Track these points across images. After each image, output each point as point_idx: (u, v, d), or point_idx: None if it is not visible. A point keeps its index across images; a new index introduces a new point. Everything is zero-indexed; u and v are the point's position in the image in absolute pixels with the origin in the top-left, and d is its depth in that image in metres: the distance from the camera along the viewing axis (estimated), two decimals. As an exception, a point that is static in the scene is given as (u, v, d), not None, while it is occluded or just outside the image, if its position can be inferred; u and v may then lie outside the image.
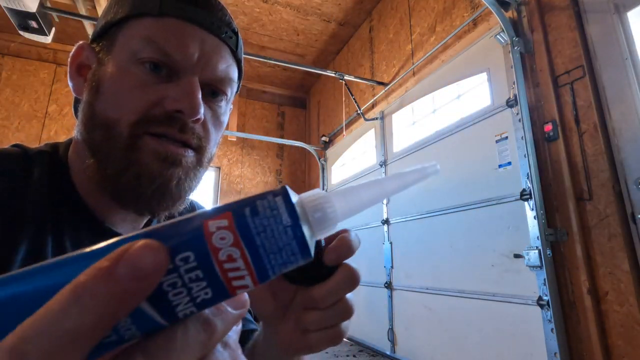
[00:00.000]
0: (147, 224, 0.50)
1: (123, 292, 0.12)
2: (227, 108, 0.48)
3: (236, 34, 0.46)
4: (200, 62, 0.41)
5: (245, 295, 0.17)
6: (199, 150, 0.43)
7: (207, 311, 0.15)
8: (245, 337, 0.50)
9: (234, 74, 0.46)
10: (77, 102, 0.50)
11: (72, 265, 0.13)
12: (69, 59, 0.45)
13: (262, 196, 0.15)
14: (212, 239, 0.14)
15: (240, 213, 0.14)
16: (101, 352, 0.13)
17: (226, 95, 0.46)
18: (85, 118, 0.42)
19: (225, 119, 0.48)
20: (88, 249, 0.14)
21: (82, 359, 0.12)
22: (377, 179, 0.19)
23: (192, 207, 0.60)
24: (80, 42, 0.45)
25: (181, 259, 0.14)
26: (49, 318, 0.12)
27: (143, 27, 0.40)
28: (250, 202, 0.15)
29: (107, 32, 0.43)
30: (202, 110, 0.41)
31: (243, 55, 0.49)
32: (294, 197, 0.16)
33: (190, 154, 0.42)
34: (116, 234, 0.44)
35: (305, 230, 0.15)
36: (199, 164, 0.44)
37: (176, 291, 0.14)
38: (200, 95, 0.40)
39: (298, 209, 0.15)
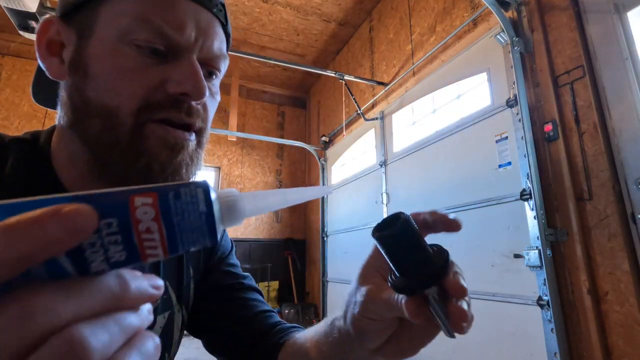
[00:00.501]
0: None
1: (48, 241, 0.13)
2: (218, 85, 0.47)
3: (224, 6, 0.44)
4: (197, 41, 0.39)
5: (161, 281, 0.18)
6: (200, 132, 0.42)
7: (123, 270, 0.17)
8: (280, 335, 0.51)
9: (225, 49, 0.45)
10: (38, 86, 0.46)
11: (4, 209, 0.15)
12: (35, 37, 0.41)
13: (186, 185, 0.18)
14: (136, 212, 0.16)
15: (164, 195, 0.17)
16: (7, 287, 0.14)
17: (220, 72, 0.45)
18: (75, 105, 0.38)
19: (218, 96, 0.47)
20: (22, 199, 0.15)
21: None
22: (282, 190, 0.23)
23: None
24: (47, 16, 0.41)
25: (105, 223, 0.15)
26: None
27: (131, 2, 0.37)
28: (175, 188, 0.17)
29: (83, 6, 0.39)
30: (207, 91, 0.39)
31: (230, 32, 0.48)
32: (213, 192, 0.19)
33: (192, 138, 0.41)
34: None
35: (216, 219, 0.18)
36: (199, 146, 0.43)
37: (94, 250, 0.15)
38: (203, 76, 0.39)
39: (214, 201, 0.18)
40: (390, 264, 0.28)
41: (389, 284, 0.30)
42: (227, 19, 0.45)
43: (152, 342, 0.17)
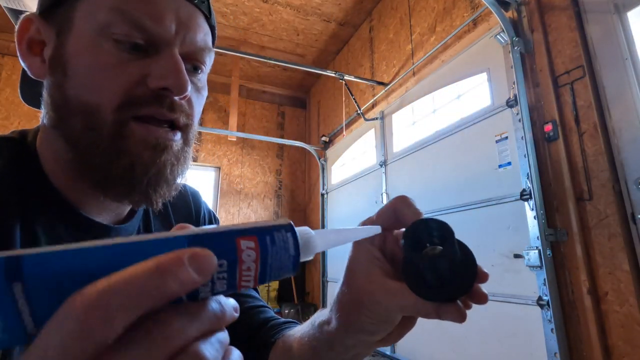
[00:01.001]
0: (131, 212, 0.48)
1: (188, 279, 0.16)
2: (205, 80, 0.46)
3: None
4: (179, 34, 0.38)
5: (236, 303, 0.21)
6: (185, 129, 0.41)
7: (220, 297, 0.20)
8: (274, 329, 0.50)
9: (210, 42, 0.44)
10: (25, 84, 0.45)
11: (138, 248, 0.17)
12: (15, 36, 0.40)
13: (277, 228, 0.21)
14: (242, 255, 0.19)
15: (263, 240, 0.20)
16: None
17: (205, 65, 0.43)
18: (57, 104, 0.38)
19: (205, 92, 0.45)
20: (157, 236, 0.18)
21: (136, 316, 0.15)
22: (343, 229, 0.26)
23: (185, 191, 0.59)
24: (27, 14, 0.40)
25: (219, 263, 0.18)
26: (134, 278, 0.15)
27: None
28: (269, 232, 0.20)
29: (61, 2, 0.38)
30: (189, 86, 0.38)
31: (215, 23, 0.46)
32: (297, 234, 0.21)
33: (177, 137, 0.40)
34: (94, 223, 0.42)
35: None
36: (186, 143, 0.42)
37: (205, 283, 0.18)
38: (185, 70, 0.38)
39: (300, 244, 0.21)
40: (425, 277, 0.28)
41: (418, 294, 0.28)
42: (210, 11, 0.43)
43: (238, 354, 0.20)
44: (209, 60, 0.44)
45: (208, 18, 0.43)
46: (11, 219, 0.36)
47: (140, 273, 0.15)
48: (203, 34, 0.41)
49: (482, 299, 0.29)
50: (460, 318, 0.28)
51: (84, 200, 0.41)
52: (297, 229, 0.22)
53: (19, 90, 0.48)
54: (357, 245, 0.33)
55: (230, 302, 0.20)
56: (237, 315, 0.21)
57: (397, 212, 0.32)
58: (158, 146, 0.38)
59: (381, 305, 0.30)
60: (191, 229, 0.19)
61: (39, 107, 0.48)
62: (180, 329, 0.17)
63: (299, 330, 0.43)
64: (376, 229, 0.29)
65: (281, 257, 0.20)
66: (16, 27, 0.40)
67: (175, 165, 0.40)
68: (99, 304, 0.14)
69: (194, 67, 0.42)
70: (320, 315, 0.38)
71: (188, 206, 0.59)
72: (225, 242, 0.19)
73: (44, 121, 0.40)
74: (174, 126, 0.40)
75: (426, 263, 0.27)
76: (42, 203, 0.39)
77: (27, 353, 0.15)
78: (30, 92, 0.50)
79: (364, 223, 0.33)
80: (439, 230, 0.28)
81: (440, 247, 0.27)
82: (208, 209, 0.64)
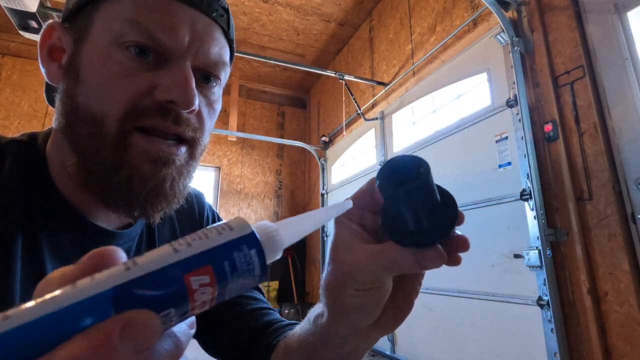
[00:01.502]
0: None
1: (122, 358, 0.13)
2: (220, 94, 0.45)
3: (227, 11, 0.42)
4: (192, 46, 0.38)
5: (194, 319, 0.19)
6: (192, 143, 0.40)
7: (175, 330, 0.17)
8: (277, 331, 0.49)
9: (227, 56, 0.43)
10: (50, 89, 0.46)
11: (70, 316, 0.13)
12: (38, 42, 0.41)
13: (237, 246, 0.17)
14: (194, 295, 0.15)
15: (220, 269, 0.16)
16: None
17: (220, 80, 0.43)
18: (66, 110, 0.38)
19: (218, 106, 0.45)
20: (67, 298, 0.13)
21: None
22: (306, 213, 0.23)
23: (191, 197, 0.58)
24: (50, 22, 0.41)
25: (165, 314, 0.15)
26: None
27: (125, 5, 0.36)
28: (228, 255, 0.16)
29: (81, 11, 0.38)
30: (197, 100, 0.37)
31: (234, 37, 0.46)
32: (259, 237, 0.18)
33: (182, 152, 0.39)
34: (99, 229, 0.42)
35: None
36: (192, 157, 0.41)
37: None
38: (194, 84, 0.37)
39: (265, 252, 0.18)
40: (404, 219, 0.26)
41: (397, 242, 0.26)
42: (230, 25, 0.43)
43: None
44: (224, 75, 0.43)
45: (226, 32, 0.42)
46: (13, 224, 0.36)
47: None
48: (219, 48, 0.40)
49: (463, 243, 0.28)
50: (441, 260, 0.27)
51: (89, 206, 0.41)
52: (256, 228, 0.18)
53: (44, 93, 0.48)
54: (338, 223, 0.31)
55: (182, 328, 0.17)
56: (192, 332, 0.18)
57: (373, 192, 0.31)
58: (159, 160, 0.37)
59: (363, 271, 0.28)
60: (115, 272, 0.14)
61: None
62: None
63: (299, 329, 0.43)
64: (347, 204, 0.27)
65: (244, 280, 0.17)
66: (40, 33, 0.40)
67: (177, 180, 0.39)
68: None
69: (207, 80, 0.41)
70: (315, 309, 0.37)
71: (191, 208, 0.58)
72: (170, 284, 0.15)
73: (56, 126, 0.40)
74: (180, 139, 0.39)
75: (402, 199, 0.25)
76: (46, 208, 0.39)
77: None
78: (53, 96, 0.51)
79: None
80: (414, 164, 0.25)
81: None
82: (212, 210, 0.63)
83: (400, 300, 0.31)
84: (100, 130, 0.36)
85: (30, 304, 0.13)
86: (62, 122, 0.38)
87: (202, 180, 4.63)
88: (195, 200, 0.59)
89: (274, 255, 0.19)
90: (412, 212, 0.26)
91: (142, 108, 0.36)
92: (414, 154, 0.28)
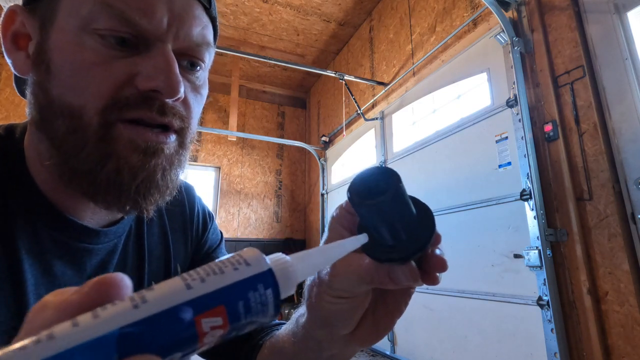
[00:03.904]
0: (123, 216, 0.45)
1: None
2: (205, 77, 0.42)
3: None
4: (171, 28, 0.34)
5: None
6: (181, 132, 0.38)
7: None
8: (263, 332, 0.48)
9: (211, 36, 0.39)
10: (19, 80, 0.42)
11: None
12: None
13: (253, 284, 0.16)
14: (204, 338, 0.14)
15: (234, 310, 0.15)
16: None
17: (204, 62, 0.39)
18: (40, 104, 0.35)
19: (205, 91, 0.42)
20: (68, 341, 0.12)
21: None
22: (322, 247, 0.23)
23: (181, 190, 0.55)
24: (11, 5, 0.36)
25: (170, 358, 0.14)
26: None
27: None
28: (243, 294, 0.15)
29: None
30: (182, 87, 0.34)
31: (217, 14, 0.42)
32: (275, 279, 0.17)
33: (172, 140, 0.37)
34: (81, 227, 0.39)
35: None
36: (182, 146, 0.38)
37: None
38: (177, 69, 0.34)
39: (281, 293, 0.17)
40: (380, 234, 0.26)
41: (371, 256, 0.26)
42: (210, 1, 0.39)
43: None
44: (209, 56, 0.40)
45: (207, 9, 0.38)
46: None
47: None
48: (201, 28, 0.37)
49: (441, 265, 0.26)
50: (414, 279, 0.26)
51: (72, 203, 0.38)
52: (272, 263, 0.17)
53: (14, 84, 0.43)
54: (330, 228, 0.30)
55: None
56: None
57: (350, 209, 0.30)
58: (148, 149, 0.34)
59: (340, 279, 0.27)
60: (121, 310, 0.13)
61: None
62: None
63: (284, 329, 0.42)
64: (362, 239, 0.25)
65: (256, 320, 0.16)
66: (0, 19, 0.36)
67: (168, 170, 0.37)
68: None
69: (191, 64, 0.38)
70: (299, 309, 0.36)
71: (181, 202, 0.55)
72: (180, 327, 0.14)
73: (30, 120, 0.37)
74: (167, 129, 0.36)
75: (373, 212, 0.24)
76: (24, 205, 0.36)
77: None
78: (24, 88, 0.48)
79: (331, 228, 0.30)
80: (383, 176, 0.25)
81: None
82: (202, 207, 0.59)
83: (381, 316, 0.30)
84: (80, 124, 0.33)
85: (26, 342, 0.12)
86: (37, 116, 0.35)
87: (202, 180, 4.63)
88: (185, 194, 0.56)
89: (288, 292, 0.18)
90: (385, 226, 0.25)
91: (124, 99, 0.33)
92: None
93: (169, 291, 0.14)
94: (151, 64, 0.33)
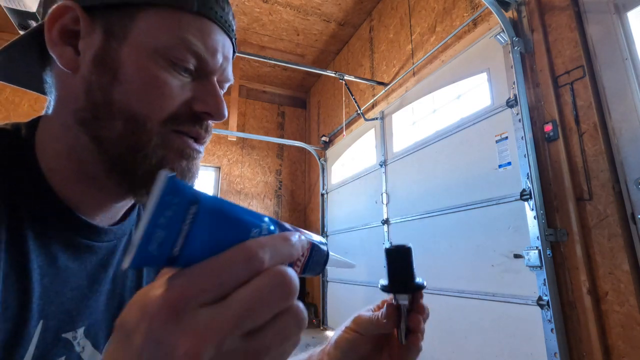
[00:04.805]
0: (129, 210, 0.49)
1: (299, 250, 0.25)
2: None
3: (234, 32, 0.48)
4: (222, 67, 0.43)
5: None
6: (204, 144, 0.47)
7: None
8: None
9: None
10: (11, 59, 0.44)
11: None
12: (46, 19, 0.39)
13: (322, 243, 0.30)
14: (310, 250, 0.28)
15: (315, 247, 0.28)
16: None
17: (224, 91, 0.49)
18: (95, 103, 0.38)
19: None
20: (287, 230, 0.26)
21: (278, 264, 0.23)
22: (344, 260, 0.37)
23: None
24: (65, 2, 0.38)
25: (298, 259, 0.27)
26: (281, 244, 0.23)
27: (173, 20, 0.39)
28: (317, 245, 0.29)
29: (117, 6, 0.39)
30: (226, 112, 0.44)
31: (240, 55, 0.53)
32: (327, 250, 0.31)
33: (202, 150, 0.46)
34: (88, 224, 0.42)
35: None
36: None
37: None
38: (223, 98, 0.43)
39: (330, 257, 0.31)
40: (388, 272, 0.41)
41: (380, 287, 0.41)
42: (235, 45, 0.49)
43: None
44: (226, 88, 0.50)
45: (235, 52, 0.48)
46: None
47: (283, 242, 0.23)
48: (231, 67, 0.47)
49: (417, 323, 0.42)
50: (386, 317, 0.42)
51: (79, 200, 0.41)
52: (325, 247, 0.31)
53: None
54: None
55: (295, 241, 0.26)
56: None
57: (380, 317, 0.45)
58: (191, 156, 0.42)
59: (355, 320, 0.45)
60: (310, 235, 0.29)
61: (27, 87, 0.48)
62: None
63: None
64: (352, 264, 0.39)
65: (317, 261, 0.29)
66: (50, 10, 0.39)
67: (195, 174, 0.45)
68: (262, 255, 0.21)
69: None
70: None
71: None
72: (317, 244, 0.29)
73: (58, 113, 0.41)
74: (199, 142, 0.44)
75: (388, 261, 0.42)
76: (34, 200, 0.39)
77: (197, 267, 0.20)
78: (16, 69, 0.47)
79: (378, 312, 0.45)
80: (404, 247, 0.42)
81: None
82: None
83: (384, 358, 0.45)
84: (142, 129, 0.39)
85: (296, 233, 0.25)
86: (84, 113, 0.39)
87: (202, 180, 4.63)
88: None
89: (324, 264, 0.31)
90: (392, 268, 0.41)
91: (180, 115, 0.41)
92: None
93: (311, 234, 0.29)
94: (207, 92, 0.42)
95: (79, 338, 0.42)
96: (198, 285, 0.19)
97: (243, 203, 4.69)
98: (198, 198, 0.20)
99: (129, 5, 0.39)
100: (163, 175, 0.19)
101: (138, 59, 0.38)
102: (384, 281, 0.41)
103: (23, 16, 2.23)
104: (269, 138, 4.51)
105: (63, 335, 0.40)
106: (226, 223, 0.21)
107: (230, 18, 0.44)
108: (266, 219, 0.24)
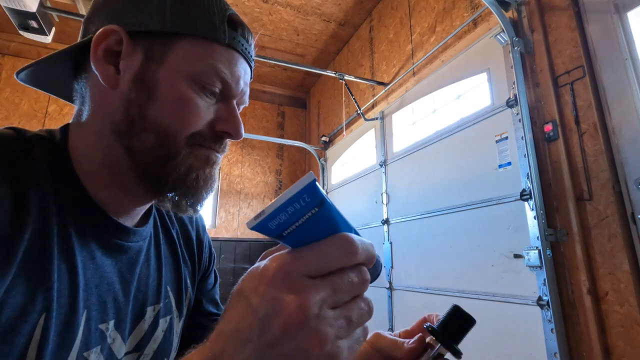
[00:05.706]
0: (147, 213, 0.55)
1: (371, 257, 0.28)
2: None
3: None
4: (242, 92, 0.50)
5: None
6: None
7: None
8: None
9: None
10: (44, 70, 0.48)
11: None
12: (93, 39, 0.43)
13: (379, 259, 0.32)
14: (375, 263, 0.31)
15: (378, 262, 0.32)
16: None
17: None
18: (131, 117, 0.43)
19: None
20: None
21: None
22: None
23: (195, 219, 0.71)
24: (113, 26, 0.43)
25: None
26: (364, 248, 0.27)
27: (206, 50, 0.44)
28: (379, 261, 0.32)
29: (158, 34, 0.44)
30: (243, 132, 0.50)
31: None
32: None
33: (220, 159, 0.51)
34: (120, 225, 0.47)
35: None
36: None
37: None
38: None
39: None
40: (444, 322, 0.46)
41: (426, 327, 0.45)
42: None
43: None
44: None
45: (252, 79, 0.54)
46: (50, 216, 0.40)
47: (370, 245, 0.28)
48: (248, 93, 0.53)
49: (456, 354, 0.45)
50: (413, 344, 0.45)
51: (109, 202, 0.46)
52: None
53: (26, 71, 0.46)
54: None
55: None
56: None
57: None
58: (214, 164, 0.49)
59: (378, 338, 0.45)
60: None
61: (53, 93, 0.52)
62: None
63: None
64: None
65: (373, 273, 0.31)
66: (98, 32, 0.43)
67: (215, 180, 0.50)
68: (354, 249, 0.26)
69: None
70: None
71: (190, 227, 0.66)
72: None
73: (92, 123, 0.45)
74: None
75: (448, 322, 0.46)
76: (73, 203, 0.43)
77: (305, 247, 0.25)
78: (42, 77, 0.50)
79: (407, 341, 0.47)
80: (468, 316, 0.47)
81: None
82: (208, 239, 0.70)
83: None
84: (171, 142, 0.44)
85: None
86: (120, 126, 0.44)
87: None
88: (196, 221, 0.68)
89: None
90: (449, 324, 0.46)
91: (204, 133, 0.46)
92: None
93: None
94: (228, 114, 0.48)
95: (110, 330, 0.45)
96: (306, 259, 0.25)
97: (243, 203, 4.70)
98: (323, 204, 0.24)
99: (169, 34, 0.44)
100: (309, 176, 0.24)
101: (173, 81, 0.44)
102: (432, 325, 0.45)
103: (23, 16, 2.23)
104: (269, 138, 4.51)
105: (99, 325, 0.44)
106: (330, 227, 0.26)
107: (252, 49, 0.51)
108: (353, 231, 0.29)
